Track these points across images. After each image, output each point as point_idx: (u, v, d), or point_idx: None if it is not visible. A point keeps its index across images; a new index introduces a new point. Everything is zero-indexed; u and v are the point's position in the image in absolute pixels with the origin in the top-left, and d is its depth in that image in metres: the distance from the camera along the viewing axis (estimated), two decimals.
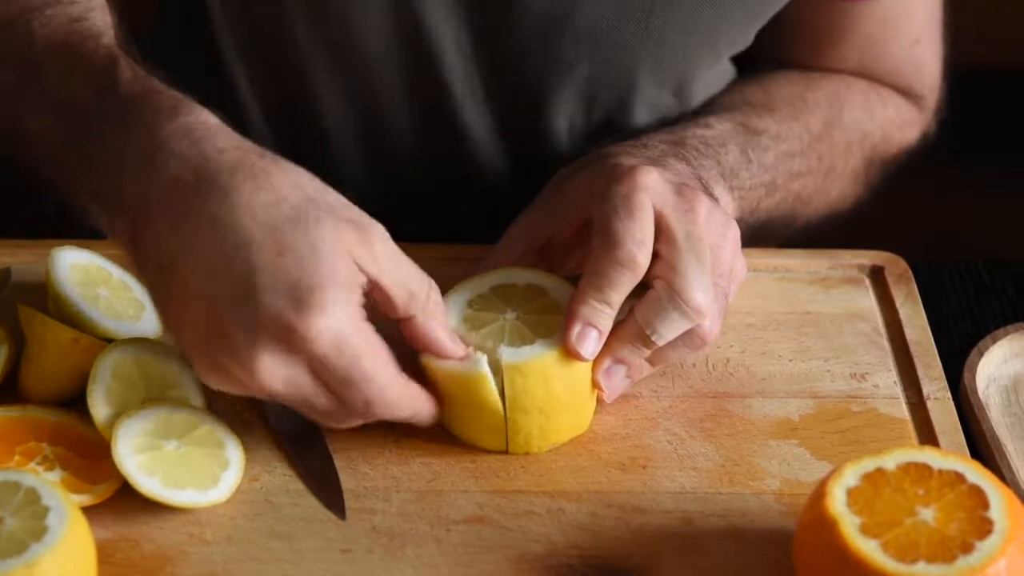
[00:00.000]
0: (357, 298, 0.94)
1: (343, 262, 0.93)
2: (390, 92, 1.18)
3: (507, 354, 1.00)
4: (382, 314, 0.97)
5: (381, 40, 1.14)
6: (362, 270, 0.94)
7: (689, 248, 1.01)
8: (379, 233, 0.95)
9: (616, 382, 1.03)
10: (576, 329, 1.00)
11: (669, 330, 1.01)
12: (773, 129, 1.18)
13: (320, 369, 0.94)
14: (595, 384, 1.02)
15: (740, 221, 1.13)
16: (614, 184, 1.02)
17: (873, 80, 1.26)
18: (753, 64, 1.26)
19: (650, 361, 1.04)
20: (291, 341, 0.92)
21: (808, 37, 1.24)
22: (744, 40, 1.19)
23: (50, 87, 1.02)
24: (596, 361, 1.02)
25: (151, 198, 0.95)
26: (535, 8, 1.12)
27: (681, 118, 1.19)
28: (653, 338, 1.01)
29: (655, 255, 1.01)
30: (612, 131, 1.19)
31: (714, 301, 1.02)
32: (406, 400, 0.97)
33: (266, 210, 0.93)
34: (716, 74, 1.23)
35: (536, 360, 1.00)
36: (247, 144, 0.97)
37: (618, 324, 1.01)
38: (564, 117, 1.19)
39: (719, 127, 1.16)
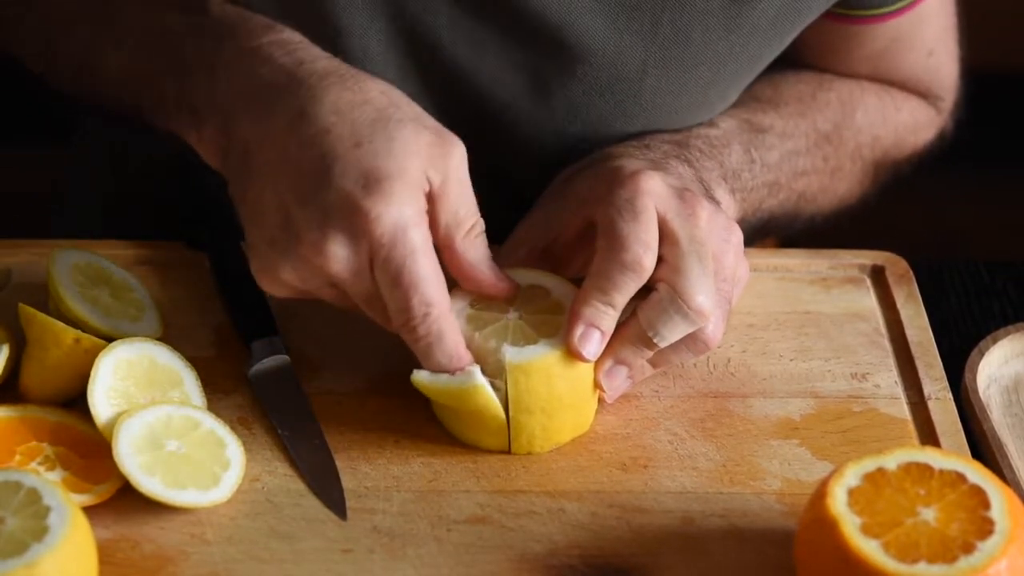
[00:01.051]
0: (422, 201, 0.96)
1: (415, 163, 0.96)
2: None
3: (511, 354, 1.00)
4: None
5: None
6: (429, 179, 0.96)
7: (692, 251, 1.01)
8: (458, 148, 0.98)
9: (618, 383, 1.03)
10: (579, 330, 1.00)
11: (671, 332, 1.01)
12: (779, 126, 1.18)
13: (376, 262, 0.95)
14: (597, 384, 1.02)
15: (742, 221, 1.13)
16: (617, 188, 1.02)
17: (888, 84, 1.26)
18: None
19: (652, 363, 1.04)
20: (357, 223, 0.94)
21: (817, 54, 1.23)
22: (736, 92, 1.19)
23: (132, 26, 1.07)
24: (598, 362, 1.02)
25: (243, 97, 0.99)
26: (525, 70, 1.12)
27: None
28: (655, 340, 1.01)
29: (658, 259, 1.01)
30: None
31: (717, 306, 1.02)
32: (449, 342, 0.97)
33: (351, 108, 0.96)
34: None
35: (539, 360, 1.00)
36: (340, 61, 1.00)
37: (621, 325, 1.01)
38: (559, 167, 1.17)
39: (723, 124, 1.15)
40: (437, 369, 0.99)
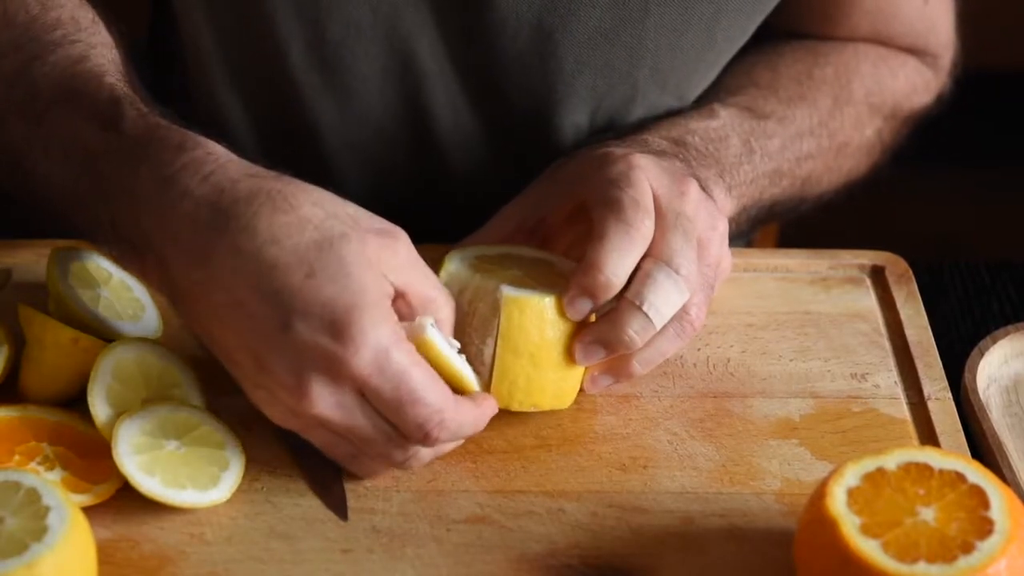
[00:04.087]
0: (391, 314, 0.94)
1: (371, 276, 0.93)
2: (386, 118, 1.18)
3: (508, 289, 1.00)
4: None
5: (375, 67, 1.14)
6: (388, 280, 0.94)
7: (679, 225, 1.01)
8: (402, 239, 0.95)
9: (592, 356, 1.01)
10: (573, 293, 0.99)
11: (662, 301, 1.00)
12: (779, 112, 1.18)
13: (369, 393, 0.93)
14: (569, 353, 1.01)
15: (743, 212, 1.13)
16: (610, 165, 1.02)
17: (886, 44, 1.25)
18: (763, 36, 1.25)
19: (642, 360, 1.03)
20: (335, 368, 0.92)
21: (819, 7, 1.23)
22: (743, 33, 1.19)
23: (57, 134, 1.01)
24: (580, 340, 1.01)
25: (170, 237, 0.94)
26: (528, 24, 1.12)
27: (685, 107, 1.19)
28: (648, 311, 1.00)
29: None
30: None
31: (701, 289, 1.02)
32: (462, 415, 0.96)
33: (288, 234, 0.92)
34: (712, 76, 1.23)
35: (536, 300, 1.00)
36: (258, 169, 0.96)
37: (611, 312, 1.01)
38: (570, 127, 1.18)
39: (723, 115, 1.15)
40: (471, 434, 0.98)
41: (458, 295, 1.01)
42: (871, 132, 1.24)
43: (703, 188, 1.07)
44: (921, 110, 1.27)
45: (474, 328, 1.01)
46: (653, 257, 1.01)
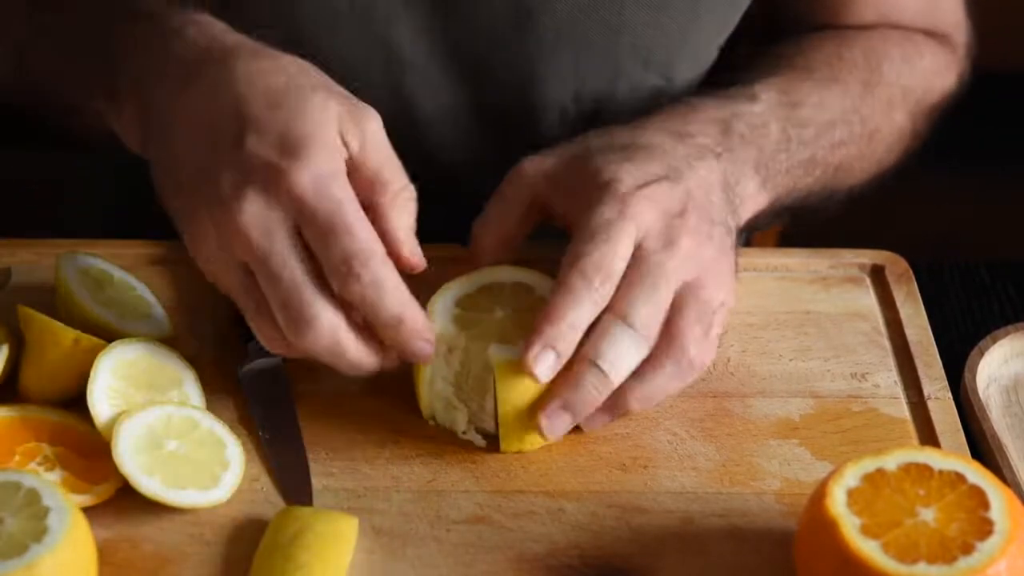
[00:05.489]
0: (340, 161, 0.96)
1: (330, 126, 0.96)
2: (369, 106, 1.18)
3: (497, 352, 0.99)
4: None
5: (356, 57, 1.15)
6: (346, 144, 0.96)
7: (648, 280, 0.99)
8: (371, 115, 0.98)
9: (557, 425, 1.00)
10: (536, 349, 0.97)
11: (619, 357, 0.98)
12: (815, 97, 1.16)
13: (303, 217, 0.94)
14: (536, 426, 1.00)
15: (775, 202, 1.12)
16: (603, 206, 1.00)
17: (899, 27, 1.25)
18: (774, 37, 1.25)
19: (644, 397, 1.01)
20: (276, 184, 0.94)
21: (827, 4, 1.24)
22: (731, 9, 1.18)
23: (70, 17, 1.09)
24: (543, 404, 1.00)
25: (157, 73, 1.00)
26: (505, 1, 1.13)
27: (724, 80, 1.17)
28: (603, 366, 0.98)
29: (617, 288, 0.99)
30: (602, 120, 1.18)
31: (697, 323, 1.00)
32: (388, 271, 0.95)
33: (263, 75, 0.97)
34: (700, 57, 1.22)
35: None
36: (253, 40, 1.01)
37: (567, 373, 0.99)
38: (554, 106, 1.18)
39: (764, 98, 1.13)
40: (393, 319, 0.95)
41: (447, 354, 1.01)
42: (902, 117, 1.22)
43: (727, 187, 1.06)
44: (947, 93, 1.26)
45: (471, 388, 1.01)
46: (611, 312, 0.99)
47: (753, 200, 1.10)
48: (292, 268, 0.94)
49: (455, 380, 1.02)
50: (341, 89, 0.99)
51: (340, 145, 0.96)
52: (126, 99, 1.03)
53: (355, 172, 0.97)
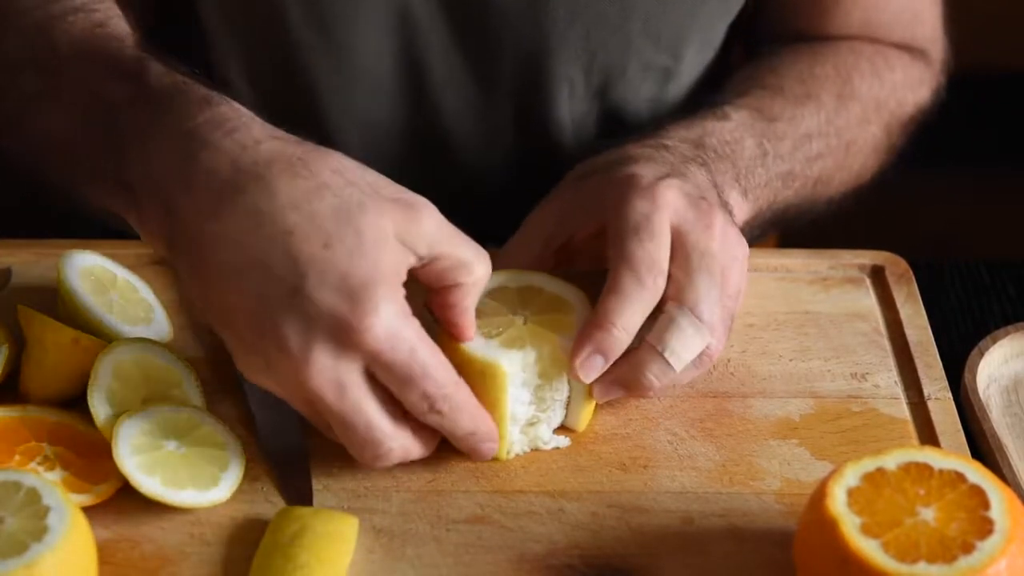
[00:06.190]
0: (401, 290, 0.93)
1: (388, 250, 0.92)
2: (382, 76, 1.18)
3: (562, 341, 1.00)
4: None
5: (371, 22, 1.15)
6: (412, 251, 0.93)
7: (703, 267, 1.01)
8: (426, 209, 0.94)
9: (607, 395, 1.02)
10: (584, 353, 0.99)
11: (685, 348, 1.01)
12: (788, 112, 1.18)
13: (379, 367, 0.93)
14: (588, 391, 1.02)
15: (758, 215, 1.13)
16: (635, 199, 1.01)
17: (876, 41, 1.26)
18: (758, 43, 1.26)
19: (664, 385, 1.03)
20: (346, 338, 0.91)
21: (813, 7, 1.24)
22: None
23: (77, 88, 1.01)
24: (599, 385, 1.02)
25: (183, 186, 0.94)
26: None
27: (695, 108, 1.18)
28: (670, 358, 1.00)
29: (669, 276, 1.01)
30: (611, 98, 1.18)
31: (721, 321, 1.02)
32: (463, 396, 0.96)
33: (308, 200, 0.92)
34: (708, 39, 1.23)
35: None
36: (281, 133, 0.96)
37: (630, 351, 1.01)
38: (564, 81, 1.19)
39: (736, 117, 1.15)
40: (468, 435, 0.97)
41: (522, 373, 1.00)
42: (877, 129, 1.24)
43: (721, 197, 1.07)
44: (922, 106, 1.27)
45: (552, 389, 1.02)
46: (677, 302, 1.00)
47: (739, 207, 1.11)
48: (366, 413, 0.94)
49: (535, 392, 1.01)
50: (389, 188, 0.94)
51: (402, 262, 0.93)
52: (144, 197, 0.96)
53: (429, 266, 0.95)
